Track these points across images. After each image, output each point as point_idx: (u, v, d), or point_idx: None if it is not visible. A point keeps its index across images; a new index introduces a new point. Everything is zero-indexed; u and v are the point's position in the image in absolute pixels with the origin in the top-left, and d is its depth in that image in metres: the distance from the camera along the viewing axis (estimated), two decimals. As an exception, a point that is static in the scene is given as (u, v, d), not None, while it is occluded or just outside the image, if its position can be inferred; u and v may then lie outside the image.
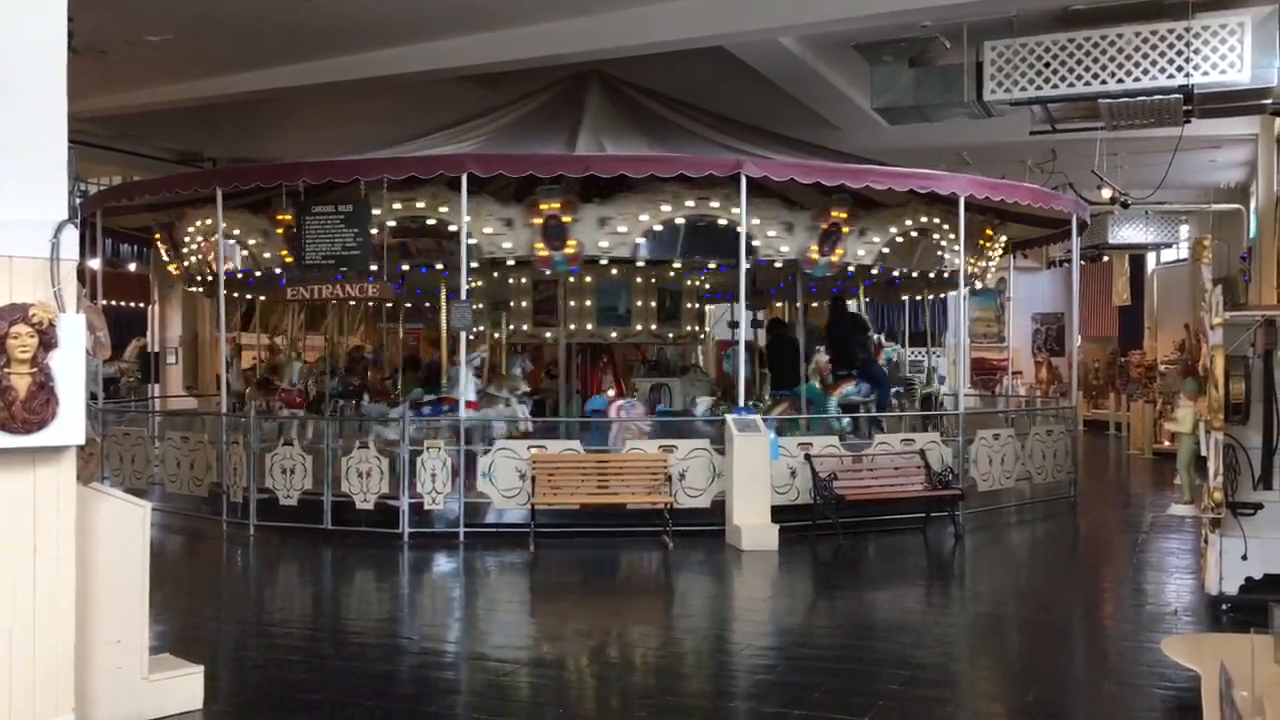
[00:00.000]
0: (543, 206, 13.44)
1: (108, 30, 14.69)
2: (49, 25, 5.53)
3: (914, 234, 15.21)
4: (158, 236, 16.61)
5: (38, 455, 5.43)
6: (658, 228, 13.75)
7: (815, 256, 14.33)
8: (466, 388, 13.10)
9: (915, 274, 16.28)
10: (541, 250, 13.55)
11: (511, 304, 16.40)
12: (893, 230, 14.99)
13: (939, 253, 15.64)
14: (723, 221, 13.74)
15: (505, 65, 15.91)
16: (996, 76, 12.81)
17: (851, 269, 15.38)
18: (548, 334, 16.29)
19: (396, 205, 13.55)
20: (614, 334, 16.32)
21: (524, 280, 16.18)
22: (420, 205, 13.62)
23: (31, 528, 5.44)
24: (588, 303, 16.10)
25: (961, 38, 13.26)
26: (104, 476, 14.13)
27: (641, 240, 13.75)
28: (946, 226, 15.29)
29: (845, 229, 14.42)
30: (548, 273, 14.68)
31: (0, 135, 5.37)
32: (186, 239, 15.68)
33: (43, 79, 5.50)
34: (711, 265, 15.32)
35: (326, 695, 6.94)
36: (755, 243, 13.91)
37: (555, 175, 12.93)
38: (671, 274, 16.38)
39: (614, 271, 15.66)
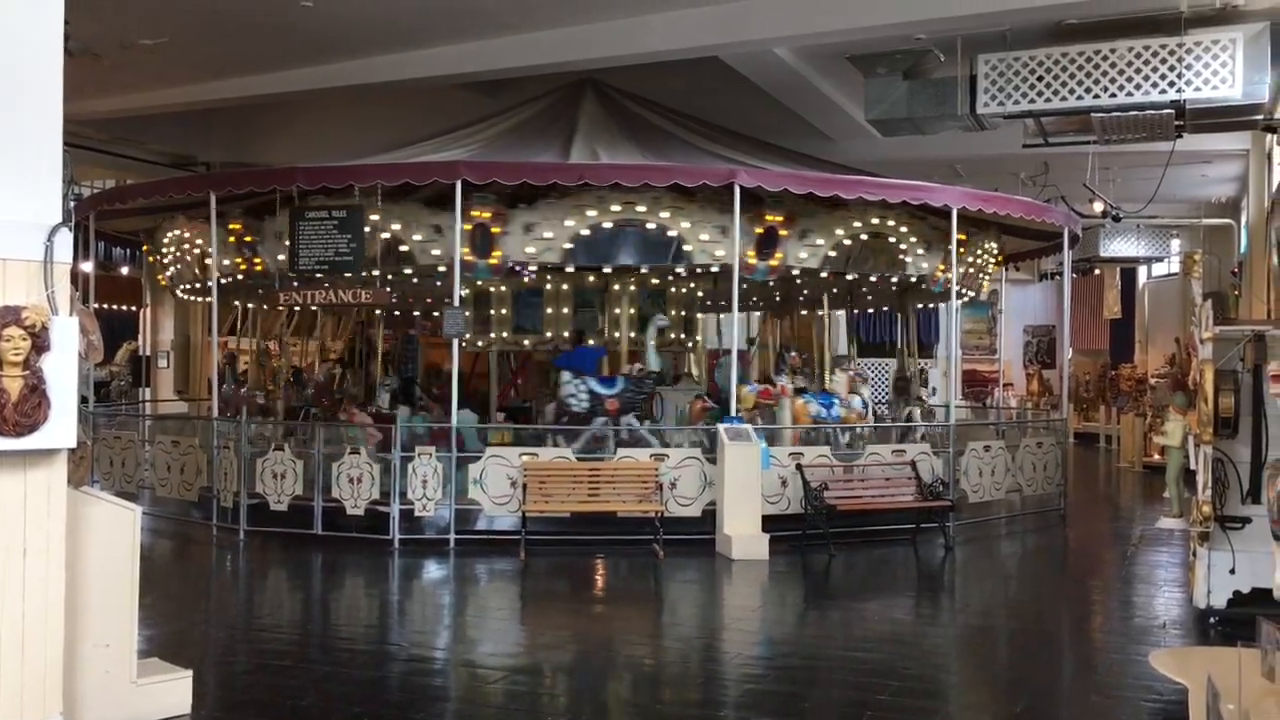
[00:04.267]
0: (474, 214, 13.37)
1: (104, 34, 14.69)
2: (45, 28, 5.54)
3: (864, 237, 14.85)
4: (146, 248, 16.63)
5: (29, 458, 5.42)
6: (584, 232, 13.69)
7: (753, 261, 14.17)
8: None
9: (875, 278, 16.12)
10: (468, 257, 13.52)
11: (492, 312, 16.37)
12: (839, 233, 14.66)
13: (901, 257, 15.33)
14: (651, 225, 13.75)
15: (501, 73, 15.93)
16: (990, 90, 12.85)
17: (795, 272, 15.18)
18: (525, 342, 16.29)
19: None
20: (592, 342, 16.20)
21: (504, 289, 16.15)
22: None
23: (22, 530, 5.43)
24: (565, 310, 16.11)
25: (955, 51, 13.31)
26: (94, 480, 14.10)
27: (569, 246, 13.69)
28: (905, 230, 15.11)
29: (783, 232, 14.22)
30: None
31: (-4, 137, 5.38)
32: (164, 248, 15.71)
33: (39, 82, 5.50)
34: (644, 270, 15.25)
35: (315, 701, 6.93)
36: (687, 247, 13.83)
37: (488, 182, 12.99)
38: (655, 281, 16.35)
39: (591, 279, 15.61)
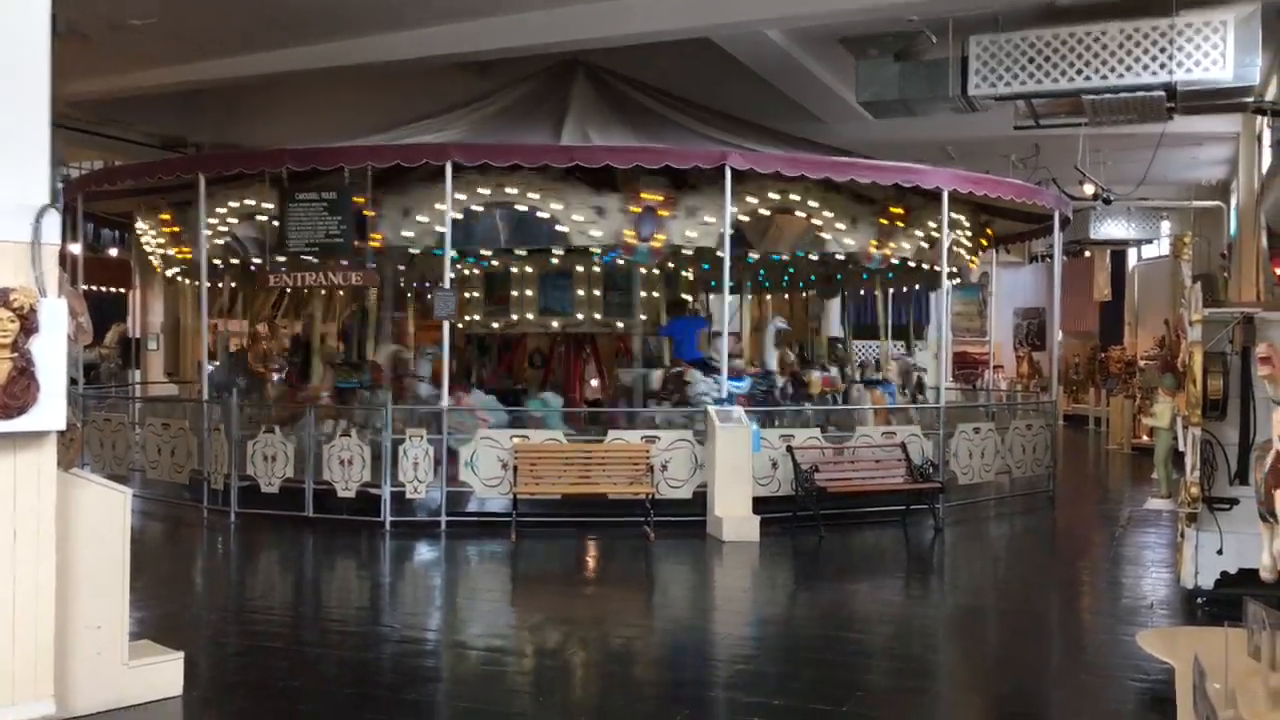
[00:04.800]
0: (643, 196, 13.41)
1: (92, 14, 14.59)
2: (33, 9, 5.51)
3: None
4: (165, 217, 15.99)
5: (18, 440, 5.41)
6: (744, 219, 13.75)
7: (874, 250, 14.71)
8: None
9: (928, 268, 16.47)
10: (631, 238, 13.51)
11: (514, 293, 16.06)
12: (931, 225, 15.18)
13: (954, 249, 15.82)
14: (800, 214, 14.08)
15: (491, 53, 15.88)
16: (981, 71, 12.83)
17: (895, 261, 15.65)
18: (554, 324, 16.16)
19: (484, 191, 13.30)
20: (620, 324, 16.12)
21: (529, 269, 15.94)
22: (511, 191, 13.45)
23: (12, 513, 5.43)
24: (579, 292, 15.93)
25: (947, 32, 13.29)
26: (84, 462, 14.03)
27: (724, 231, 13.60)
28: (968, 225, 15.61)
29: (900, 224, 14.75)
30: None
31: (-18, 118, 5.35)
32: (215, 220, 15.18)
33: (26, 63, 5.48)
34: (787, 257, 15.77)
35: (306, 682, 6.95)
36: (825, 236, 14.24)
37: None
38: (671, 265, 16.35)
39: (619, 261, 15.52)
